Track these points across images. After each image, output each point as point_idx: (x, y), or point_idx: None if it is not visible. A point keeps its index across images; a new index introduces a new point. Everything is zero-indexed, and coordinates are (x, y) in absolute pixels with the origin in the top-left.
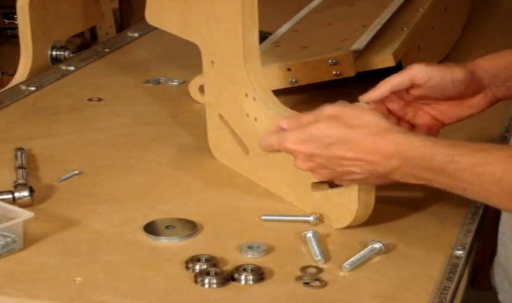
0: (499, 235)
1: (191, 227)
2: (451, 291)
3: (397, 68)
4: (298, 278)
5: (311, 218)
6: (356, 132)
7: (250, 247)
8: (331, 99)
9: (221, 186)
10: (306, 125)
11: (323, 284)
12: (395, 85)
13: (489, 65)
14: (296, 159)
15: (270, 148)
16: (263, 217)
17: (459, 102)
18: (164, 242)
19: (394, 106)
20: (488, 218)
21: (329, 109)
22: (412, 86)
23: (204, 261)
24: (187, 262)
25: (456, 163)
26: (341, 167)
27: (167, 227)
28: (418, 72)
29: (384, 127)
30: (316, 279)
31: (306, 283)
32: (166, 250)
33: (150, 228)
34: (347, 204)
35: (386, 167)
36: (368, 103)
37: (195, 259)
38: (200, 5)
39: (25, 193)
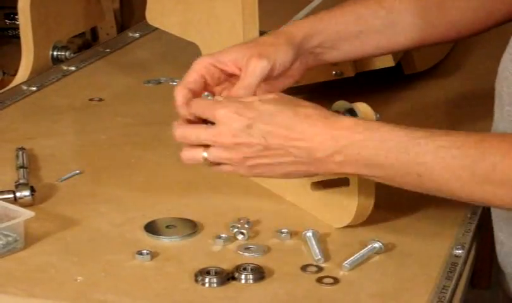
0: (495, 234)
1: (192, 226)
2: (450, 290)
3: (397, 68)
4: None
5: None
6: (300, 111)
7: (250, 247)
8: (331, 99)
9: (221, 186)
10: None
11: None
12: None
13: (300, 33)
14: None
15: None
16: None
17: (283, 75)
18: (164, 241)
19: (212, 81)
20: (488, 217)
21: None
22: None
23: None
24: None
25: (418, 146)
26: (280, 146)
27: (167, 227)
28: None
29: (326, 112)
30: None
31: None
32: (166, 249)
33: (151, 228)
34: (346, 203)
35: (327, 151)
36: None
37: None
38: (200, 5)
39: (26, 193)
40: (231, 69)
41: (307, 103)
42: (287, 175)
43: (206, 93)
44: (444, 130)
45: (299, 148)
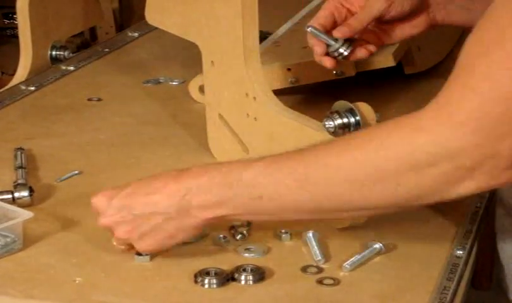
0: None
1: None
2: (451, 291)
3: (397, 68)
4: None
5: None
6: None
7: (250, 247)
8: (331, 99)
9: None
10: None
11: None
12: (362, 21)
13: None
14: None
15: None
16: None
17: (403, 23)
18: None
19: (339, 18)
20: (489, 218)
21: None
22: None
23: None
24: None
25: (252, 169)
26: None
27: None
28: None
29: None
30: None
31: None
32: (166, 250)
33: None
34: None
35: (180, 193)
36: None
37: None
38: (200, 5)
39: (25, 193)
40: (355, 8)
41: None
42: (173, 237)
43: (309, 28)
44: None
45: (153, 203)
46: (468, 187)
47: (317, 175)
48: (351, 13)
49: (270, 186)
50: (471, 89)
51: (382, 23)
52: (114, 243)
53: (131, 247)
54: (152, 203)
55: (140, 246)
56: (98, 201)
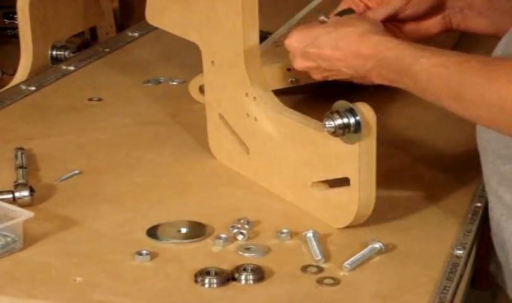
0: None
1: (202, 229)
2: (451, 291)
3: None
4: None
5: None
6: (341, 32)
7: (250, 247)
8: (331, 99)
9: (221, 186)
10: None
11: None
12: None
13: None
14: (294, 58)
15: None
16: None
17: (418, 22)
18: (164, 243)
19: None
20: (488, 218)
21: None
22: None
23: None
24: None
25: (419, 64)
26: (330, 66)
27: (178, 231)
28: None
29: (367, 29)
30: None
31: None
32: (166, 250)
33: (152, 231)
34: (347, 204)
35: (365, 67)
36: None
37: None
38: (200, 5)
39: (25, 193)
40: (373, 4)
41: (355, 22)
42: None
43: (321, 17)
44: (442, 50)
45: (342, 68)
46: None
47: (469, 96)
48: (368, 8)
49: (431, 88)
50: None
51: (397, 21)
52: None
53: None
54: (339, 66)
55: (313, 73)
56: (295, 40)
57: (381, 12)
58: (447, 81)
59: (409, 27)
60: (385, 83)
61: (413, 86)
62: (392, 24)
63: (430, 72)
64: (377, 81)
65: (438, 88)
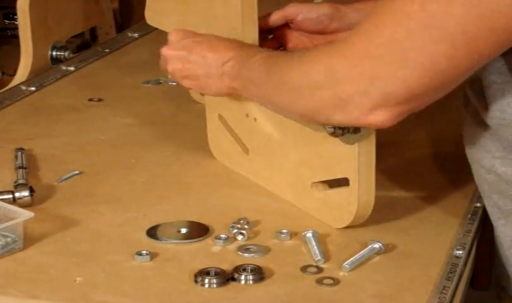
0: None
1: (204, 230)
2: (450, 291)
3: None
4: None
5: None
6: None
7: (250, 247)
8: None
9: (221, 186)
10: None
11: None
12: (272, 21)
13: (358, 6)
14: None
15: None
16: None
17: (331, 36)
18: (164, 243)
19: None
20: (488, 218)
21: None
22: (291, 21)
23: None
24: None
25: (259, 56)
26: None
27: (178, 231)
28: (289, 8)
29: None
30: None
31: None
32: (166, 250)
33: (152, 232)
34: (347, 204)
35: (223, 60)
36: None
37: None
38: (199, 5)
39: (25, 193)
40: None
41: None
42: (203, 88)
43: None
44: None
45: (205, 56)
46: (339, 118)
47: (272, 78)
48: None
49: (255, 73)
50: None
51: (297, 29)
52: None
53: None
54: (205, 56)
55: (180, 82)
56: (172, 33)
57: (273, 18)
58: (264, 69)
59: (316, 40)
60: (237, 85)
61: (250, 80)
62: (301, 35)
63: (258, 63)
64: (231, 83)
65: (256, 78)
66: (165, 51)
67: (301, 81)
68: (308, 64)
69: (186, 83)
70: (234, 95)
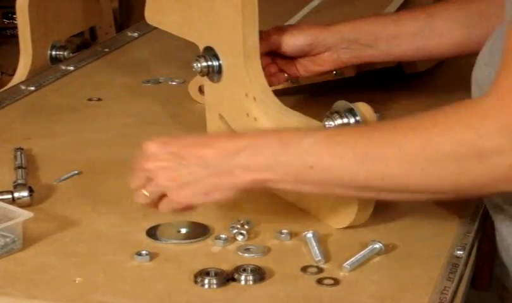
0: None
1: (204, 230)
2: (451, 291)
3: (397, 68)
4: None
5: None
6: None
7: (250, 247)
8: (331, 99)
9: None
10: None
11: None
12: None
13: (337, 28)
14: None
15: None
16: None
17: (310, 59)
18: (164, 243)
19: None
20: (489, 218)
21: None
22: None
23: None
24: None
25: (313, 137)
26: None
27: (178, 232)
28: (271, 39)
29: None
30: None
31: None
32: (166, 250)
33: (152, 232)
34: (347, 204)
35: (227, 153)
36: None
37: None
38: (200, 5)
39: (24, 193)
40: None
41: None
42: (208, 194)
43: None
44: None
45: (203, 156)
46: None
47: (378, 154)
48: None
49: (327, 157)
50: None
51: (284, 58)
52: (145, 193)
53: (155, 203)
54: (202, 156)
55: (175, 195)
56: (151, 145)
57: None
58: (351, 144)
59: (297, 64)
60: (256, 176)
61: (298, 163)
62: (280, 61)
63: (326, 143)
64: (244, 177)
65: (336, 159)
66: (146, 165)
67: (449, 152)
68: (453, 132)
69: (186, 193)
70: (233, 96)
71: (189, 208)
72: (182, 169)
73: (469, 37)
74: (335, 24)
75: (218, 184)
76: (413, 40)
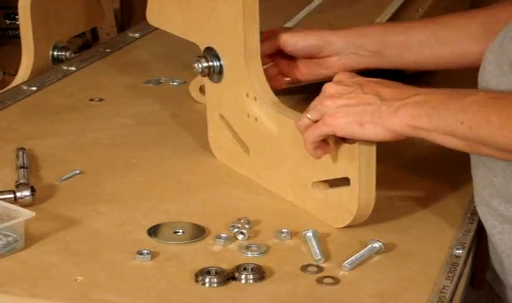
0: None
1: (200, 231)
2: (450, 290)
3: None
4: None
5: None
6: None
7: (251, 246)
8: None
9: (221, 186)
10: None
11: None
12: (263, 52)
13: (345, 33)
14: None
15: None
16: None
17: (316, 62)
18: (170, 244)
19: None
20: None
21: None
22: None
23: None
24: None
25: (478, 96)
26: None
27: (175, 232)
28: (278, 39)
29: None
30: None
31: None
32: (167, 249)
33: (153, 231)
34: (347, 203)
35: (403, 95)
36: None
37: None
38: (201, 5)
39: (26, 193)
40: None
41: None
42: (363, 126)
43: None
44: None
45: (381, 92)
46: None
47: None
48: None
49: (477, 115)
50: None
51: (289, 59)
52: (307, 115)
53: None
54: (380, 92)
55: (330, 118)
56: (345, 74)
57: (264, 48)
58: (501, 108)
59: (302, 65)
60: (423, 123)
61: (453, 121)
62: (287, 62)
63: (481, 103)
64: (400, 120)
65: (483, 119)
66: (331, 87)
67: None
68: None
69: (342, 118)
70: (234, 96)
71: (323, 149)
72: (358, 92)
73: (476, 48)
74: (344, 28)
75: (376, 117)
76: (420, 48)
